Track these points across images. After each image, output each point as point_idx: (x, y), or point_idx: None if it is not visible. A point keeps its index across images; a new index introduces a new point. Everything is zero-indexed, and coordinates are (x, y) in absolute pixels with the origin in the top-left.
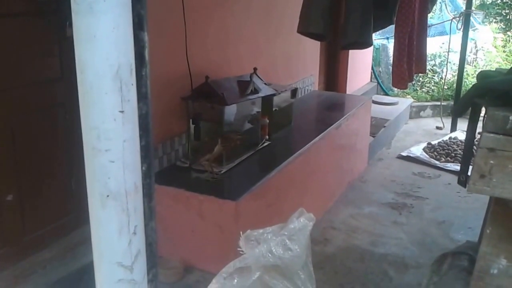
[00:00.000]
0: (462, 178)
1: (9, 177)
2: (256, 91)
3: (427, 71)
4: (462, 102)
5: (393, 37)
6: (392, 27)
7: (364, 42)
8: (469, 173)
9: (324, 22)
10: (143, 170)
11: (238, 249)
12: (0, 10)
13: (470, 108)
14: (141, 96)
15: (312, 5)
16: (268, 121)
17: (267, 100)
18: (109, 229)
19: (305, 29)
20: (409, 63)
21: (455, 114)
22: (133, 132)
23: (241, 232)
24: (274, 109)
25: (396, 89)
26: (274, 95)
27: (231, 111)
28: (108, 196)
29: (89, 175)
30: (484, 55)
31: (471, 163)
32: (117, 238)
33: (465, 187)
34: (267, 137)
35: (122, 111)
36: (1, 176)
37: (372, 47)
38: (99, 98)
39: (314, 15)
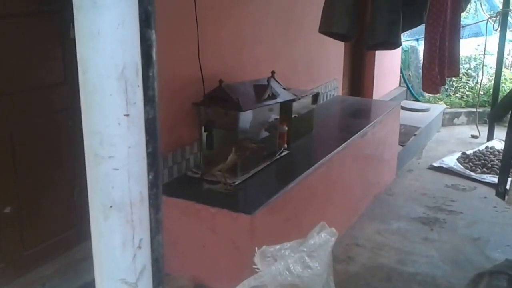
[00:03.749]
0: (501, 190)
1: (8, 188)
2: (273, 96)
3: (460, 74)
4: (500, 107)
5: (423, 38)
6: (422, 27)
7: (392, 43)
8: (508, 185)
9: (348, 21)
10: (150, 179)
11: (253, 266)
12: None
13: (509, 113)
14: (148, 99)
15: (335, 2)
16: (287, 128)
17: (286, 106)
18: (112, 243)
19: (327, 29)
20: (440, 65)
21: (493, 119)
22: (139, 137)
23: (256, 248)
24: (293, 115)
25: (427, 94)
26: (293, 100)
27: (246, 117)
28: (111, 206)
29: (91, 184)
30: None
31: (511, 174)
32: (120, 252)
33: (503, 199)
34: (285, 146)
35: (127, 115)
36: None
37: (400, 48)
38: (102, 100)
39: (337, 13)
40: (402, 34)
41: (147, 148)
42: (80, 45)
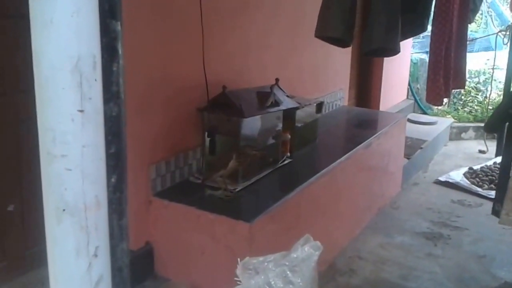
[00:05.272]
0: (497, 208)
1: (11, 185)
2: (276, 103)
3: (469, 88)
4: (495, 115)
5: (429, 48)
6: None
7: (390, 49)
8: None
9: (344, 25)
10: (112, 182)
11: (235, 278)
12: None
13: (506, 123)
14: (111, 95)
15: (331, 6)
16: (289, 136)
17: (289, 114)
18: (65, 249)
19: (323, 33)
20: (445, 77)
21: (488, 129)
22: (96, 136)
23: (238, 259)
24: (297, 124)
25: (435, 107)
26: (296, 108)
27: (249, 124)
28: (64, 210)
29: (45, 184)
30: None
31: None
32: (74, 260)
33: (499, 217)
34: (288, 154)
35: (81, 111)
36: (3, 184)
37: (409, 61)
38: (55, 94)
39: (333, 17)
40: (412, 47)
41: (109, 148)
42: (34, 35)
